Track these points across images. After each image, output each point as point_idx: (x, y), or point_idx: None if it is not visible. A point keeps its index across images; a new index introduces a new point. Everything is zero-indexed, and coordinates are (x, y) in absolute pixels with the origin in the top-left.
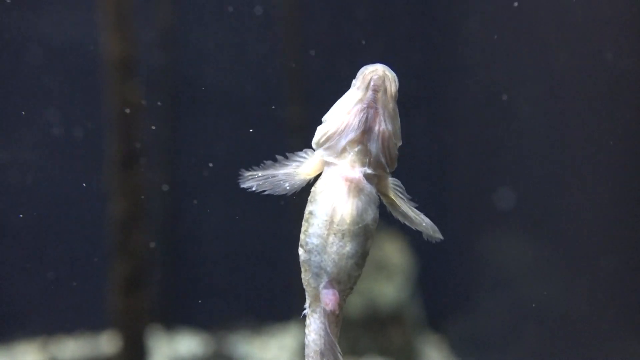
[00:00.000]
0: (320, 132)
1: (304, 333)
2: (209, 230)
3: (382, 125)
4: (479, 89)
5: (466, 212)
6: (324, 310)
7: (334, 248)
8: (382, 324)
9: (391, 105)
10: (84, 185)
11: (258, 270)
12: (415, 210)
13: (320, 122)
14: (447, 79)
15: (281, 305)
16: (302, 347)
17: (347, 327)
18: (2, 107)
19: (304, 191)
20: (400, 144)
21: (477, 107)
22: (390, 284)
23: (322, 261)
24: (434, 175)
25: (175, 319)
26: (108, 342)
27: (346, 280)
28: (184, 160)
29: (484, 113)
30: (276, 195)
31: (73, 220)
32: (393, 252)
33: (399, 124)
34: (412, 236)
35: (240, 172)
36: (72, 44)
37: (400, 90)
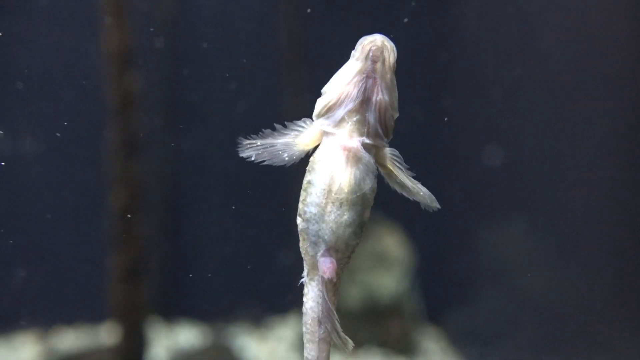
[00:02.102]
0: (320, 104)
1: (302, 302)
2: (208, 223)
3: (380, 95)
4: (481, 71)
5: (465, 205)
6: (322, 278)
7: (332, 217)
8: (381, 316)
9: (389, 75)
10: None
11: (257, 263)
12: (412, 179)
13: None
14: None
15: (279, 297)
16: (300, 339)
17: (346, 319)
18: (2, 99)
19: (302, 172)
20: (397, 115)
21: (479, 96)
22: (389, 276)
23: (320, 230)
24: (433, 169)
25: (174, 310)
26: (108, 333)
27: (344, 249)
28: (183, 151)
29: (485, 103)
30: (276, 190)
31: (73, 211)
32: (392, 245)
33: (396, 95)
34: (411, 229)
35: (239, 140)
36: (72, 35)
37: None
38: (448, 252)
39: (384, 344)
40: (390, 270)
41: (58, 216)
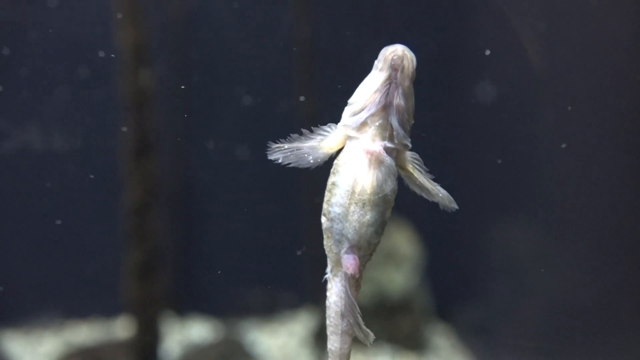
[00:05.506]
0: (347, 113)
1: (325, 296)
2: (221, 219)
3: (397, 100)
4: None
5: (475, 201)
6: (345, 274)
7: (355, 216)
8: (390, 312)
9: (407, 83)
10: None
11: (269, 258)
12: (432, 182)
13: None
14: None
15: (291, 293)
16: (311, 334)
17: None
18: (16, 96)
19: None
20: (412, 122)
21: (486, 95)
22: (398, 273)
23: (343, 229)
24: (442, 167)
25: (187, 305)
26: (122, 327)
27: (366, 247)
28: (197, 147)
29: (492, 101)
30: (288, 185)
31: (88, 206)
32: (402, 241)
33: (413, 102)
34: (421, 225)
35: (269, 145)
36: (85, 32)
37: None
38: (458, 249)
39: (393, 340)
40: (400, 266)
41: (73, 212)
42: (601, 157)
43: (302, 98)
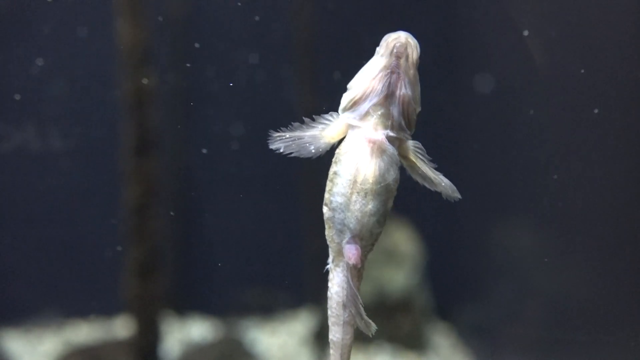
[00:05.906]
0: (346, 99)
1: (327, 287)
2: (221, 218)
3: (403, 90)
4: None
5: (476, 200)
6: (347, 264)
7: (357, 206)
8: (390, 311)
9: (412, 71)
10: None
11: (269, 258)
12: (434, 171)
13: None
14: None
15: (291, 292)
16: (311, 333)
17: None
18: (15, 95)
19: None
20: (419, 109)
21: (488, 92)
22: (399, 272)
23: (345, 218)
24: (442, 166)
25: (187, 304)
26: (122, 327)
27: (368, 237)
28: (197, 146)
29: (494, 101)
30: (289, 185)
31: (88, 205)
32: (402, 240)
33: (419, 90)
34: (421, 224)
35: (270, 134)
36: (87, 31)
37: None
38: (458, 248)
39: (393, 339)
40: (400, 265)
41: (73, 211)
42: (602, 156)
43: None
